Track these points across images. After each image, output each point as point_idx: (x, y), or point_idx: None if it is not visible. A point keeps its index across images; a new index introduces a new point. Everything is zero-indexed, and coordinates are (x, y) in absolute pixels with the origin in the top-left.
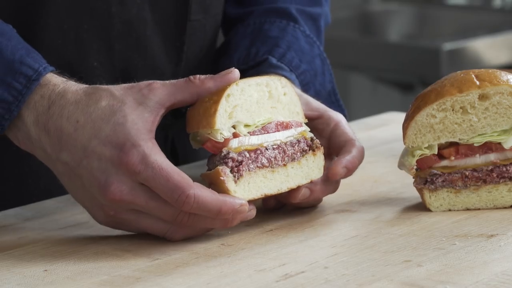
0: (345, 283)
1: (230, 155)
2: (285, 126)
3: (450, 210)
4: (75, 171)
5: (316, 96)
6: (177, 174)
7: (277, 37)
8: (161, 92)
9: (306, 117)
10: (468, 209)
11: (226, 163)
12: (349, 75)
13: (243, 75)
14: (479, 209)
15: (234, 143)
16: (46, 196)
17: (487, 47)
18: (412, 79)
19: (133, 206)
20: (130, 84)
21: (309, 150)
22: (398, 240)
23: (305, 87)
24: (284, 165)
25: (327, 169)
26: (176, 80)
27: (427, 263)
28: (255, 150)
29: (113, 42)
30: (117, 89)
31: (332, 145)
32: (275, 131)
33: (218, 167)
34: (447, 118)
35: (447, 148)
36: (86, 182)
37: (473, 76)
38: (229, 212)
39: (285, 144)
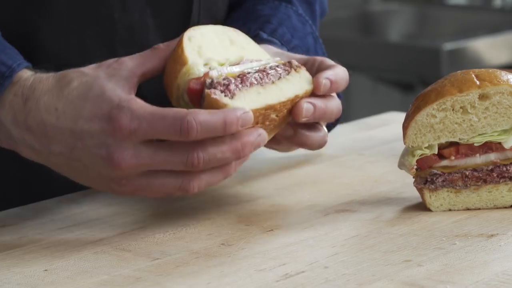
0: (345, 283)
1: (215, 80)
2: (258, 60)
3: (450, 210)
4: (72, 157)
5: None
6: (169, 110)
7: (269, 15)
8: (131, 63)
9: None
10: (468, 209)
11: (214, 87)
12: (349, 75)
13: None
14: (479, 208)
15: (214, 73)
16: (46, 196)
17: (488, 47)
18: (412, 79)
19: (141, 167)
20: (98, 63)
21: (290, 69)
22: (398, 240)
23: None
24: (273, 82)
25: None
26: (141, 52)
27: (427, 262)
28: (238, 75)
29: (116, 48)
30: (87, 68)
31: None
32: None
33: (206, 90)
34: (447, 118)
35: (447, 148)
36: (87, 163)
37: (473, 76)
38: (234, 122)
39: (265, 67)
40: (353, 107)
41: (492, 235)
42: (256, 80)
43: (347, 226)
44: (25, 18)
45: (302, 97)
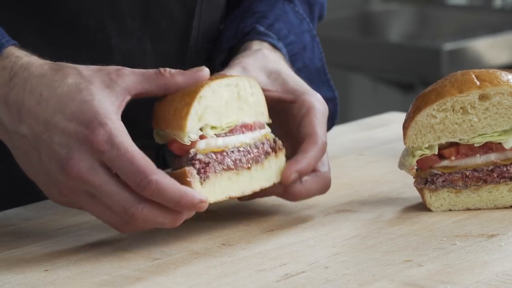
0: (346, 283)
1: (198, 156)
2: (249, 128)
3: (450, 210)
4: (34, 144)
5: (304, 69)
6: (142, 158)
7: (265, 11)
8: (130, 79)
9: (281, 100)
10: (468, 209)
11: (193, 165)
12: (349, 75)
13: (233, 50)
14: (479, 209)
15: (201, 145)
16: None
17: (488, 47)
18: (413, 79)
19: (89, 187)
20: (99, 66)
21: (272, 151)
22: (399, 240)
23: (293, 58)
24: (249, 167)
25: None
26: (146, 70)
27: (427, 263)
28: (221, 152)
29: None
30: (85, 69)
31: (299, 133)
32: (240, 133)
33: (186, 167)
34: (448, 118)
35: (448, 148)
36: (44, 156)
37: (473, 76)
38: (188, 205)
39: (250, 146)
40: (353, 107)
41: (492, 235)
42: (234, 163)
43: (347, 226)
44: (20, 38)
45: (266, 189)
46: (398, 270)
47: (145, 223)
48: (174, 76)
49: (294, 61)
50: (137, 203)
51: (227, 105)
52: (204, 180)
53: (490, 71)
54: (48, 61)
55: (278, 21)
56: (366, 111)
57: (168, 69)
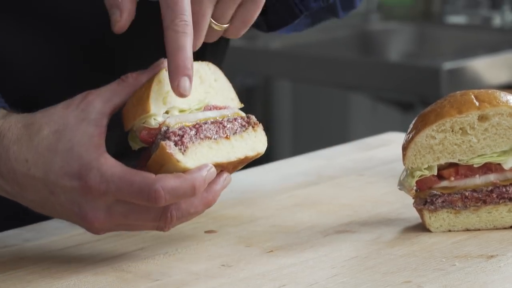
0: None
1: (171, 130)
2: (218, 108)
3: (450, 230)
4: (46, 205)
5: None
6: (137, 175)
7: None
8: (99, 101)
9: None
10: (468, 230)
11: (168, 138)
12: (349, 94)
13: None
14: (479, 229)
15: (171, 121)
16: (46, 216)
17: (487, 67)
18: (412, 98)
19: (116, 224)
20: (65, 103)
21: (247, 125)
22: (398, 261)
23: None
24: (227, 137)
25: None
26: (109, 84)
27: (427, 284)
28: (194, 125)
29: None
30: (55, 112)
31: None
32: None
33: (161, 142)
34: (447, 139)
35: (447, 169)
36: (62, 213)
37: (472, 96)
38: (203, 184)
39: (222, 119)
40: (353, 127)
41: (491, 256)
42: (211, 132)
43: (347, 247)
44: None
45: (252, 158)
46: None
47: (183, 219)
48: (138, 78)
49: None
50: (166, 210)
51: (192, 88)
52: (184, 151)
53: (489, 91)
54: (21, 117)
55: None
56: (366, 130)
57: (129, 74)
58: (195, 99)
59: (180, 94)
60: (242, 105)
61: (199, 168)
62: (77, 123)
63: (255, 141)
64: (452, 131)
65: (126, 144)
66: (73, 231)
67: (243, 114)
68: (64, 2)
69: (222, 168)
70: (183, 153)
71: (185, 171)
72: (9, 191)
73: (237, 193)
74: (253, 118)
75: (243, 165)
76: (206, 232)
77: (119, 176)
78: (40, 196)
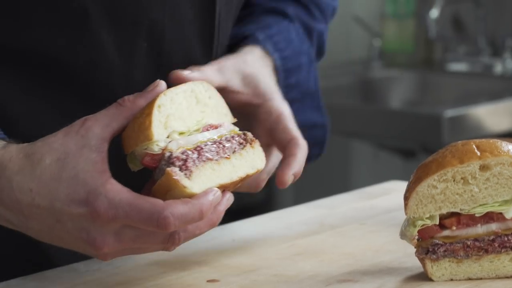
0: None
1: (174, 155)
2: (215, 128)
3: (452, 279)
4: (52, 234)
5: (297, 86)
6: (146, 202)
7: (269, 23)
8: (97, 127)
9: (249, 103)
10: (470, 279)
11: (173, 164)
12: (350, 142)
13: (230, 51)
14: (481, 278)
15: (173, 146)
16: (46, 266)
17: (489, 114)
18: (414, 145)
19: (124, 248)
20: (64, 130)
21: (245, 142)
22: None
23: (287, 73)
24: (227, 157)
25: (276, 175)
26: (106, 108)
27: None
28: (195, 148)
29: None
30: (55, 140)
31: (275, 139)
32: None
33: (167, 169)
34: (448, 189)
35: (449, 218)
36: (69, 241)
37: (474, 146)
38: (210, 208)
39: (221, 138)
40: (354, 174)
41: None
42: (212, 154)
43: None
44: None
45: (252, 176)
46: None
47: (188, 239)
48: (135, 101)
49: (288, 76)
50: (173, 232)
51: (189, 110)
52: (189, 175)
53: (491, 141)
54: (21, 147)
55: (278, 35)
56: (367, 177)
57: (125, 97)
58: (193, 119)
59: None
60: (235, 120)
61: (206, 193)
62: (78, 150)
63: (254, 158)
64: (454, 181)
65: (124, 164)
66: (75, 280)
67: (239, 131)
68: (63, 51)
69: (225, 188)
70: (188, 178)
71: (191, 196)
72: (14, 222)
73: (239, 242)
74: (249, 134)
75: (243, 183)
76: (208, 281)
77: (127, 202)
78: (46, 225)
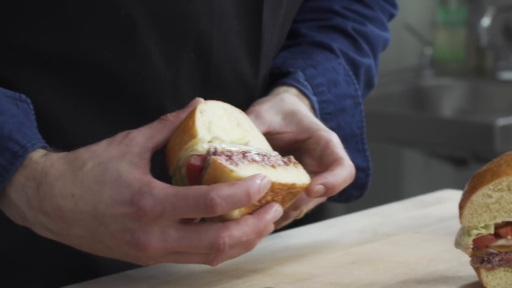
0: None
1: (219, 149)
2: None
3: None
4: (94, 239)
5: (339, 130)
6: (189, 189)
7: (317, 61)
8: (141, 138)
9: (295, 140)
10: None
11: (218, 155)
12: (401, 150)
13: (270, 80)
14: None
15: (218, 145)
16: (98, 272)
17: None
18: (466, 154)
19: (168, 250)
20: (108, 140)
21: (289, 162)
22: None
23: (326, 116)
24: (273, 166)
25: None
26: (149, 124)
27: None
28: (240, 151)
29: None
30: (98, 148)
31: (322, 164)
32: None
33: (213, 157)
34: (503, 198)
35: (504, 228)
36: (111, 245)
37: None
38: (257, 191)
39: (266, 153)
40: (406, 183)
41: None
42: (257, 160)
43: None
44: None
45: (299, 188)
46: None
47: (234, 247)
48: (178, 116)
49: (326, 119)
50: (218, 237)
51: (230, 126)
52: (236, 165)
53: None
54: (63, 154)
55: (322, 76)
56: (418, 186)
57: (168, 114)
58: (235, 135)
59: None
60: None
61: (253, 176)
62: (121, 155)
63: (299, 173)
64: (509, 190)
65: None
66: (130, 287)
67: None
68: (110, 60)
69: (272, 196)
70: (235, 166)
71: (239, 180)
72: (54, 230)
73: (293, 250)
74: (292, 158)
75: (291, 202)
76: None
77: (173, 194)
78: (88, 230)
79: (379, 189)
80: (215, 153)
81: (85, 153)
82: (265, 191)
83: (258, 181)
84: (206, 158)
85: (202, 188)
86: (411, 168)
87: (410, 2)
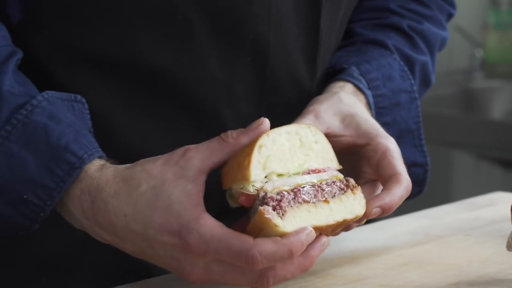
0: None
1: (269, 195)
2: (317, 172)
3: None
4: (145, 255)
5: (394, 125)
6: (235, 238)
7: (372, 57)
8: (198, 159)
9: (354, 144)
10: None
11: (266, 203)
12: (451, 152)
13: (326, 79)
14: None
15: (269, 187)
16: (149, 272)
17: None
18: None
19: (212, 281)
20: (165, 158)
21: (346, 188)
22: None
23: (381, 110)
24: (326, 200)
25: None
26: (208, 141)
27: None
28: (292, 189)
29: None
30: (154, 167)
31: (379, 175)
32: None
33: (260, 207)
34: None
35: None
36: (160, 264)
37: None
38: (300, 248)
39: (321, 183)
40: (456, 185)
41: None
42: (309, 196)
43: None
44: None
45: (350, 221)
46: None
47: (278, 283)
48: (238, 139)
49: (382, 114)
50: (263, 275)
51: (291, 152)
52: (282, 215)
53: None
54: (118, 170)
55: (377, 71)
56: (468, 188)
57: (229, 132)
58: (295, 162)
59: None
60: (341, 167)
61: (297, 232)
62: (175, 180)
63: (354, 203)
64: None
65: (224, 200)
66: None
67: (341, 177)
68: (166, 63)
69: (321, 231)
70: (281, 217)
71: (283, 235)
72: (109, 240)
73: (344, 252)
74: (351, 181)
75: (342, 228)
76: None
77: (218, 239)
78: (139, 248)
79: (428, 191)
80: (264, 198)
81: (141, 172)
82: (310, 242)
83: (302, 237)
84: (255, 201)
85: (247, 242)
86: (460, 170)
87: (461, 4)
